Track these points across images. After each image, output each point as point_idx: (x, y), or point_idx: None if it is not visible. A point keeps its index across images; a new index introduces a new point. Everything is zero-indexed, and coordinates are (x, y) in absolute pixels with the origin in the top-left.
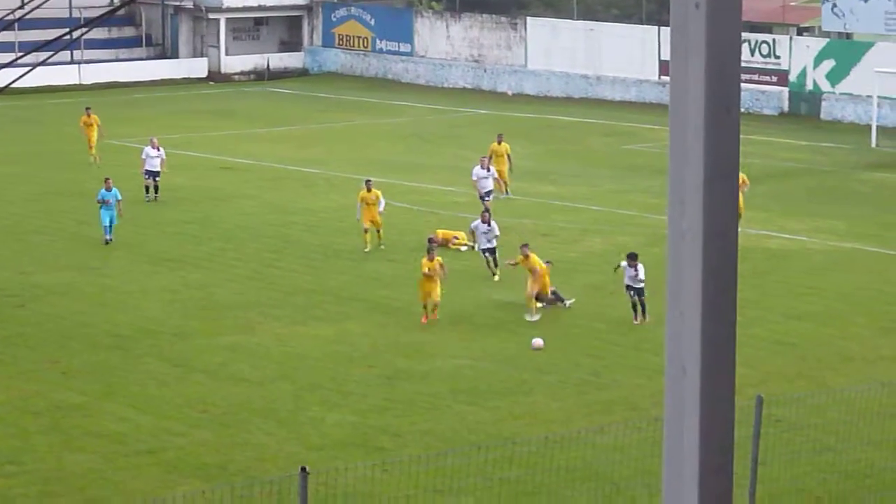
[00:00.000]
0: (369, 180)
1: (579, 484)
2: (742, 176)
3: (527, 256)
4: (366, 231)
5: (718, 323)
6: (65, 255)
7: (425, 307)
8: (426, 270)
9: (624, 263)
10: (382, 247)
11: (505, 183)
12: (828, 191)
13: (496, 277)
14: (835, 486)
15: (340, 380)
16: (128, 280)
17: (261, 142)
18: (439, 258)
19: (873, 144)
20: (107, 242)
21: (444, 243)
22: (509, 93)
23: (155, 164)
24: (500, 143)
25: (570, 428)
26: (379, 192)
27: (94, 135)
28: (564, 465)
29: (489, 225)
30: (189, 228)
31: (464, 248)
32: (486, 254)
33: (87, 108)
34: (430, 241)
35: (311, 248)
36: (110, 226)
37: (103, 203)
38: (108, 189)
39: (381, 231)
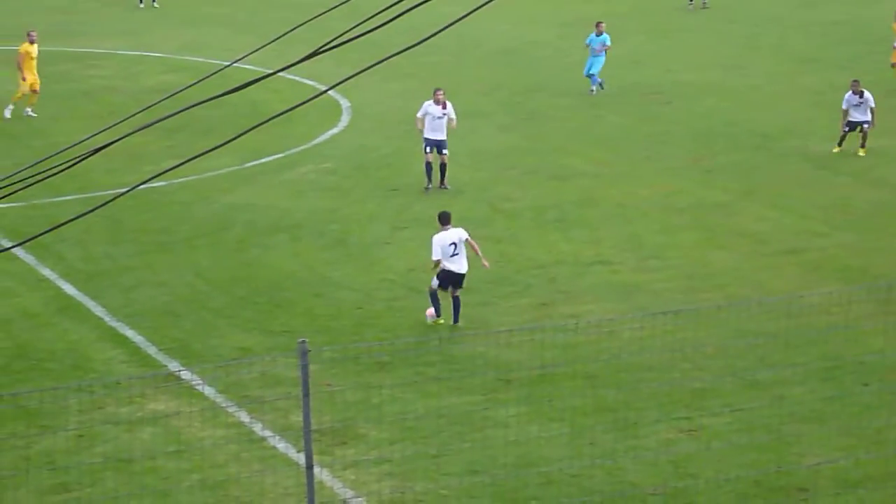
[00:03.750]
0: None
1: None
2: None
3: None
4: None
5: None
6: (709, 53)
7: None
8: None
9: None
10: None
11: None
12: None
13: None
14: None
15: None
16: (773, 80)
17: None
18: None
19: None
20: (592, 91)
21: None
22: None
23: None
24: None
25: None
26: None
27: None
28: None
29: None
30: (834, 29)
31: None
32: None
33: None
34: None
35: None
36: (591, 74)
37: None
38: (599, 34)
39: None
